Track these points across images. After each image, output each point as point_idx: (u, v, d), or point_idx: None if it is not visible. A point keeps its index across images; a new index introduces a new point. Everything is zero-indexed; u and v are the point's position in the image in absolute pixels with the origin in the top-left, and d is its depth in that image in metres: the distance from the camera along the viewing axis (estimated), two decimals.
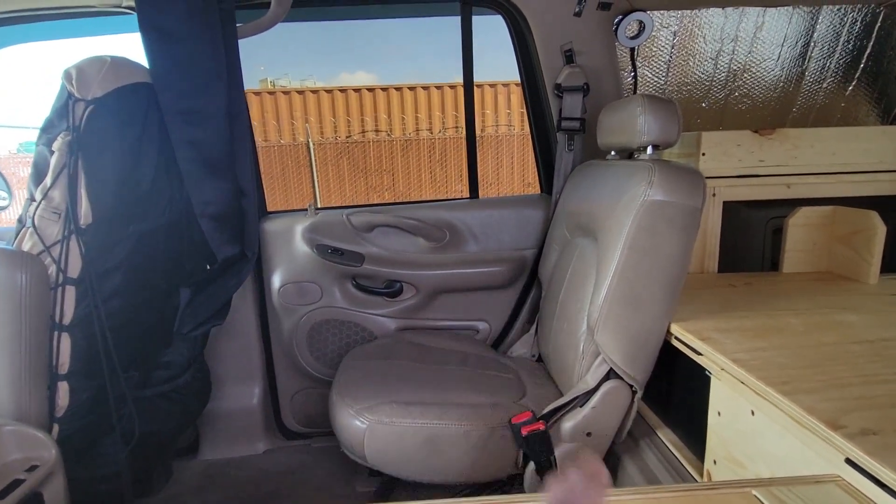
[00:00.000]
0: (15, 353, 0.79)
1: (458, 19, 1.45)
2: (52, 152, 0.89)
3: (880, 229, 1.24)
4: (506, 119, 8.46)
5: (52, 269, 0.88)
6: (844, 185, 1.39)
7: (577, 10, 1.32)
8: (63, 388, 0.88)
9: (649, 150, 1.10)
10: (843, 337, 0.92)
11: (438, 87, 8.90)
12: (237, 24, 1.23)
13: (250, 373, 1.56)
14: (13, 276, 0.80)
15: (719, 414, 0.88)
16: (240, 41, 1.25)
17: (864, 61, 1.55)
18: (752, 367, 0.81)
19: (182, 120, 1.08)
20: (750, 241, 1.46)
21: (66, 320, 0.89)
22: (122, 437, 0.98)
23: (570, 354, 1.14)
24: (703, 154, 1.38)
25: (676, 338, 1.01)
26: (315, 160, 8.66)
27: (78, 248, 0.89)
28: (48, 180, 0.88)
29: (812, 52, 1.54)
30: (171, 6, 1.03)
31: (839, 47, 1.54)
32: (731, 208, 1.43)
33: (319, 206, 1.59)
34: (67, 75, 0.92)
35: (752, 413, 0.79)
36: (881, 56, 1.55)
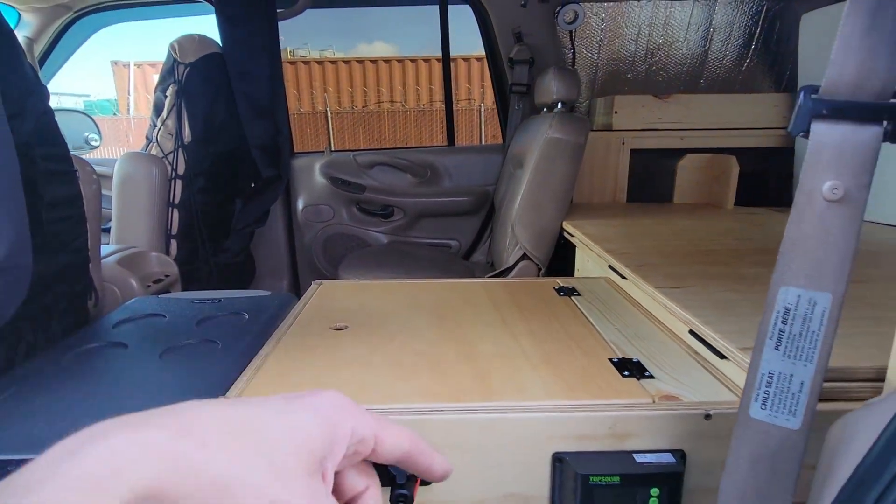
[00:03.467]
0: (152, 216, 1.34)
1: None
2: (165, 97, 1.42)
3: (734, 169, 1.72)
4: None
5: (169, 169, 1.42)
6: (721, 139, 1.86)
7: (522, 2, 1.79)
8: (173, 244, 1.43)
9: (559, 105, 1.59)
10: (665, 228, 1.41)
11: (452, 60, 9.25)
12: (277, 10, 1.73)
13: (280, 270, 2.11)
14: (149, 170, 1.34)
15: (578, 269, 1.40)
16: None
17: (754, 43, 2.00)
18: (593, 237, 1.31)
19: (240, 78, 1.60)
20: (654, 179, 1.95)
21: (176, 201, 1.43)
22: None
23: (501, 245, 1.66)
24: (616, 112, 1.86)
25: (564, 229, 1.52)
26: (332, 129, 9.06)
27: (183, 157, 1.43)
28: (164, 114, 1.41)
29: (712, 36, 1.99)
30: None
31: (733, 32, 1.98)
32: (639, 154, 1.91)
33: (333, 149, 2.11)
34: (172, 47, 1.45)
35: (588, 261, 1.30)
36: (769, 39, 1.99)
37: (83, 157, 1.43)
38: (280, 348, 0.73)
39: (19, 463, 0.52)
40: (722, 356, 0.64)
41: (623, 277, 1.01)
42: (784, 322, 0.41)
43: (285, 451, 0.22)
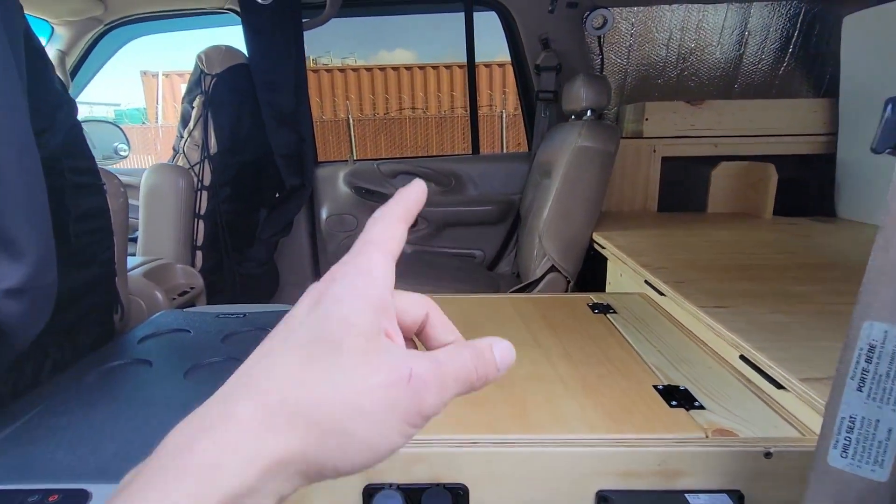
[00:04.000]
0: (177, 228, 1.34)
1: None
2: (192, 108, 1.42)
3: (773, 177, 1.65)
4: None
5: (195, 180, 1.42)
6: (758, 146, 1.79)
7: (550, 8, 1.75)
8: (199, 255, 1.43)
9: (588, 112, 1.54)
10: (700, 240, 1.35)
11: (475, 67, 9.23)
12: (303, 20, 1.73)
13: (304, 280, 2.10)
14: (176, 182, 1.34)
15: (609, 283, 1.35)
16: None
17: (791, 47, 1.92)
18: (626, 250, 1.26)
19: (266, 88, 1.60)
20: (686, 188, 1.89)
21: (202, 211, 1.43)
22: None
23: (528, 256, 1.62)
24: (647, 119, 1.80)
25: (594, 241, 1.47)
26: (354, 136, 9.12)
27: (209, 167, 1.43)
28: (191, 125, 1.42)
29: (747, 40, 1.92)
30: (263, 10, 1.54)
31: (770, 35, 1.91)
32: (671, 162, 1.85)
33: (356, 158, 2.10)
34: (199, 58, 1.45)
35: (621, 275, 1.25)
36: (807, 43, 1.91)
37: (111, 167, 1.43)
38: None
39: (43, 495, 0.50)
40: (780, 386, 0.60)
41: (661, 294, 0.96)
42: (868, 361, 0.37)
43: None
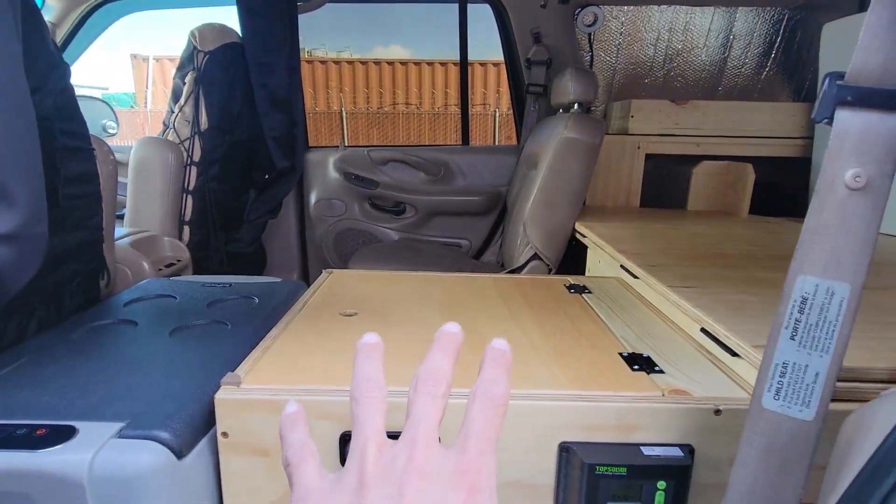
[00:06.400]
0: (165, 201, 1.35)
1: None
2: (184, 83, 1.43)
3: (751, 177, 1.71)
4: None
5: (184, 155, 1.43)
6: (738, 147, 1.84)
7: (542, 3, 1.78)
8: (186, 230, 1.44)
9: (576, 106, 1.58)
10: (678, 232, 1.40)
11: (469, 65, 9.25)
12: (298, 3, 1.75)
13: (291, 263, 2.12)
14: (165, 155, 1.36)
15: (588, 270, 1.39)
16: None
17: (774, 52, 1.98)
18: (605, 237, 1.30)
19: (259, 69, 1.62)
20: (668, 185, 1.93)
21: (190, 187, 1.44)
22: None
23: (512, 244, 1.66)
24: (632, 116, 1.85)
25: (576, 230, 1.51)
26: (347, 129, 9.09)
27: (199, 144, 1.44)
28: (182, 101, 1.43)
29: (732, 43, 1.98)
30: None
31: (753, 40, 1.97)
32: (654, 160, 1.90)
33: (347, 145, 2.12)
34: (192, 34, 1.46)
35: (599, 262, 1.29)
36: (789, 48, 1.97)
37: None
38: (289, 331, 0.73)
39: (30, 428, 0.52)
40: (734, 354, 0.64)
41: (635, 277, 1.00)
42: (801, 311, 0.40)
43: None
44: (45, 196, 0.63)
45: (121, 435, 0.50)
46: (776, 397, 0.41)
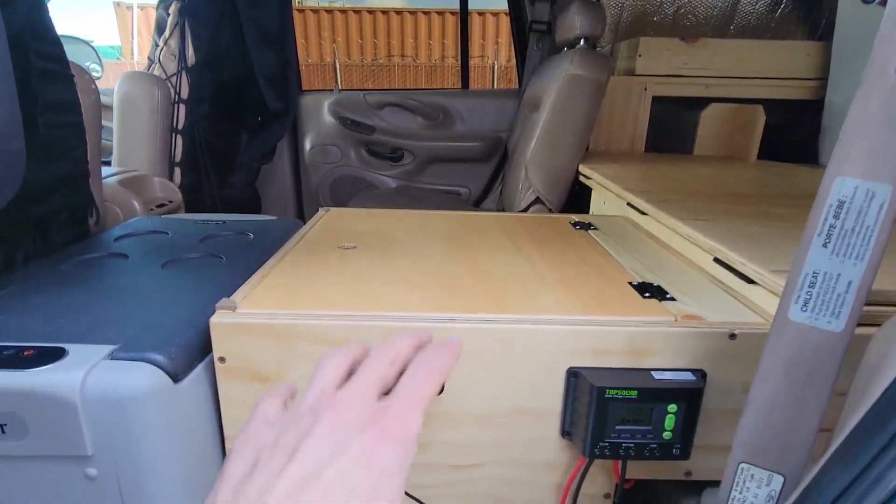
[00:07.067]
0: (154, 140, 1.29)
1: None
2: (168, 14, 1.35)
3: (761, 119, 1.65)
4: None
5: (172, 92, 1.36)
6: (749, 89, 1.78)
7: None
8: (177, 172, 1.39)
9: (582, 42, 1.50)
10: (686, 173, 1.36)
11: (469, 14, 8.88)
12: None
13: (286, 211, 2.08)
14: (151, 91, 1.29)
15: (592, 212, 1.35)
16: None
17: None
18: (611, 178, 1.26)
19: (248, 3, 1.52)
20: (674, 130, 1.88)
21: (179, 126, 1.38)
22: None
23: (513, 189, 1.61)
24: (640, 56, 1.77)
25: (580, 172, 1.46)
26: (341, 73, 8.78)
27: (187, 79, 1.37)
28: (167, 33, 1.35)
29: None
30: None
31: None
32: (661, 102, 1.83)
33: (342, 88, 2.03)
34: None
35: (604, 203, 1.26)
36: None
37: None
38: (286, 262, 0.70)
39: (17, 349, 0.50)
40: (750, 281, 0.61)
41: (643, 214, 0.97)
42: (836, 217, 0.37)
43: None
44: (20, 112, 0.59)
45: (113, 357, 0.48)
46: (804, 308, 0.39)
